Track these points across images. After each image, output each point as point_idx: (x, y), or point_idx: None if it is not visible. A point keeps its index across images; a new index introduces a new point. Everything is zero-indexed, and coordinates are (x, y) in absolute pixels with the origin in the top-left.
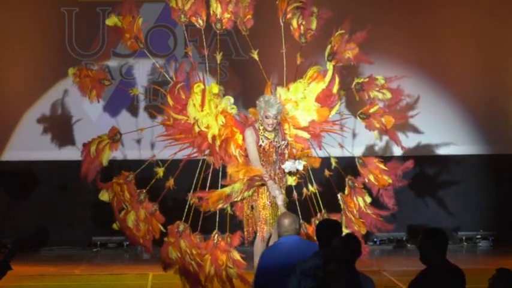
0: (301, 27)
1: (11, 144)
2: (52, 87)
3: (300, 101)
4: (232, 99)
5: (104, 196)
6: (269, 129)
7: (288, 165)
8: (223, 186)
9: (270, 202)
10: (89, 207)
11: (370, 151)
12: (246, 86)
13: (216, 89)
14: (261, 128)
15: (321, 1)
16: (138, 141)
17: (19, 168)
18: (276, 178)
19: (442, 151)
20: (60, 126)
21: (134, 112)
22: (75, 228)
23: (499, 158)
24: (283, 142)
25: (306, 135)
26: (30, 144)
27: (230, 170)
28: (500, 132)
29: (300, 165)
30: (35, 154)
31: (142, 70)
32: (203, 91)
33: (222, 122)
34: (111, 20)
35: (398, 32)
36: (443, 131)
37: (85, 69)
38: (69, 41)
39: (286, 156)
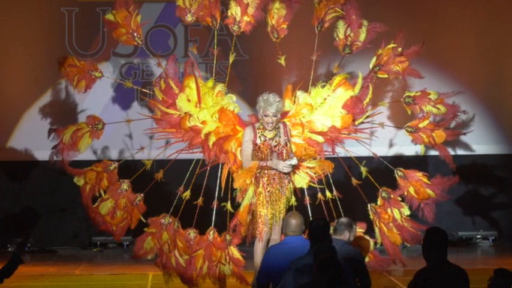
0: (349, 39)
1: (11, 144)
2: (52, 87)
3: (319, 106)
4: (234, 97)
5: (80, 182)
6: (268, 128)
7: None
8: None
9: (268, 200)
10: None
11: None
12: (245, 86)
13: (210, 83)
14: (261, 127)
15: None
16: (150, 137)
17: (19, 168)
18: (275, 178)
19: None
20: (60, 126)
21: (135, 111)
22: (76, 229)
23: (500, 158)
24: (282, 142)
25: (320, 139)
26: (30, 144)
27: (236, 184)
28: (502, 133)
29: (293, 161)
30: (35, 154)
31: (142, 70)
32: (197, 86)
33: (216, 118)
34: (108, 16)
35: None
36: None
37: (71, 59)
38: (69, 41)
39: (285, 155)
